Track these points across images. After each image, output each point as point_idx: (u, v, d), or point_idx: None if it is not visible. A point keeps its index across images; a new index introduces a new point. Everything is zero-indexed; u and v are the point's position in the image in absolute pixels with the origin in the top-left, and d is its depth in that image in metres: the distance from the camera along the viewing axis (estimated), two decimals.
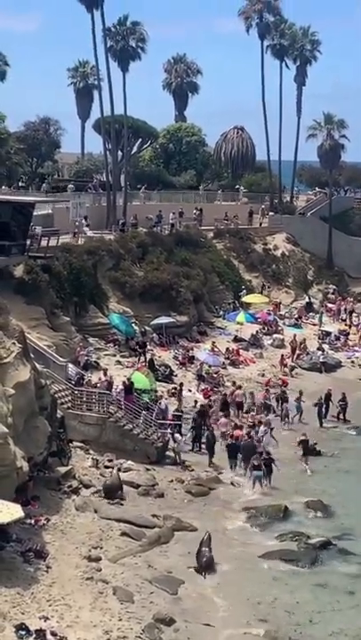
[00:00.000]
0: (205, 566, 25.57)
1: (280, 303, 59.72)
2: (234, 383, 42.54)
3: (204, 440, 35.45)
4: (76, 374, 35.99)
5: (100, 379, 36.73)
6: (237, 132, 78.74)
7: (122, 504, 29.20)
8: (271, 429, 36.55)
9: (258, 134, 74.86)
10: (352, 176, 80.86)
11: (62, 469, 29.80)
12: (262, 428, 36.38)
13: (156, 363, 42.98)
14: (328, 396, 41.58)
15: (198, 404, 38.81)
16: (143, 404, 35.58)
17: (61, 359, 35.51)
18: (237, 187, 71.01)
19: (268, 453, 33.27)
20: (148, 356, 43.81)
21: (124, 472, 31.40)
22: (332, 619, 23.44)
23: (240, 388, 41.69)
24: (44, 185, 61.91)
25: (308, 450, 35.14)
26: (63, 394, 33.50)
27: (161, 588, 24.05)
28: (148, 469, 32.43)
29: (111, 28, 58.96)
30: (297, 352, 50.75)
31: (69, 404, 33.42)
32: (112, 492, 29.47)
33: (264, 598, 24.21)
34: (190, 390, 41.24)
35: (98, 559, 24.96)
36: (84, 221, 51.62)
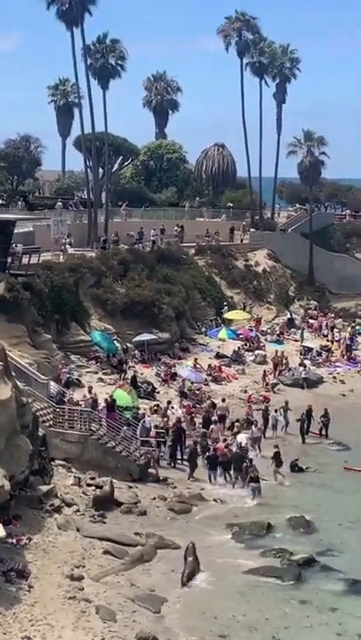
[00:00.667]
0: (188, 577, 25.79)
1: (261, 319, 59.77)
2: (223, 400, 42.57)
3: (185, 454, 35.55)
4: (57, 392, 35.87)
5: (84, 396, 36.63)
6: (218, 149, 79.10)
7: (104, 522, 29.09)
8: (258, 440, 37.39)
9: (238, 151, 75.03)
10: (332, 192, 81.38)
11: (44, 488, 29.60)
12: (243, 436, 36.81)
13: (138, 380, 42.92)
14: (309, 412, 41.57)
15: (174, 417, 38.59)
16: (125, 421, 35.48)
17: (43, 377, 35.39)
18: (229, 205, 70.95)
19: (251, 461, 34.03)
20: (130, 373, 43.76)
21: None
22: (298, 635, 23.31)
23: (223, 401, 42.01)
24: (19, 203, 61.83)
25: (280, 461, 35.08)
26: (45, 412, 33.36)
27: (144, 607, 23.91)
28: (130, 487, 32.33)
29: (91, 45, 59.13)
30: (279, 368, 50.81)
31: (51, 422, 33.28)
32: (102, 504, 29.80)
33: (230, 614, 24.00)
34: (173, 407, 41.15)
35: (80, 578, 24.80)
36: (67, 239, 51.64)
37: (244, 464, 33.92)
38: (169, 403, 40.44)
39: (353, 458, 38.52)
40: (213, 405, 41.85)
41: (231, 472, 34.38)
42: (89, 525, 28.51)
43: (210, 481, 34.36)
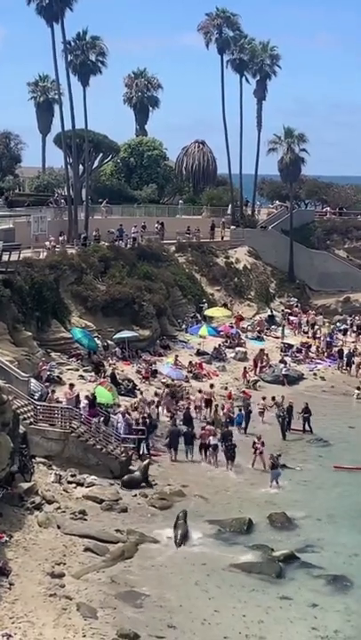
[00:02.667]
0: (182, 538, 28.17)
1: (242, 316, 59.83)
2: (211, 386, 44.47)
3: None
4: (40, 390, 35.83)
5: (66, 393, 36.50)
6: (198, 146, 79.09)
7: (85, 519, 29.09)
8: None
9: (219, 148, 75.29)
10: (313, 189, 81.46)
11: (25, 485, 29.60)
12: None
13: (118, 377, 42.90)
14: (290, 409, 41.77)
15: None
16: (105, 418, 35.49)
17: (23, 374, 35.33)
18: (227, 212, 70.91)
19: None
20: (109, 370, 43.74)
21: (87, 487, 31.33)
22: (274, 629, 23.53)
23: (211, 387, 44.45)
24: (2, 199, 61.63)
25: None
26: (25, 409, 33.30)
27: (125, 603, 23.95)
28: (111, 484, 32.33)
29: (71, 42, 58.93)
30: (260, 365, 50.92)
31: (32, 420, 33.22)
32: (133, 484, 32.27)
33: (210, 610, 24.19)
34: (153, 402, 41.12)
35: (61, 575, 24.84)
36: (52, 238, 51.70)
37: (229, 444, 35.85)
38: (157, 403, 40.63)
39: (332, 453, 38.72)
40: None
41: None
42: (70, 523, 28.52)
43: (186, 456, 36.27)
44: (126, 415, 36.38)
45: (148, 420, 36.89)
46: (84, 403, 35.87)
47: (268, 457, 34.83)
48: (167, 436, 37.01)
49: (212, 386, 44.60)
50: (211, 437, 36.83)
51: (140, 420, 36.67)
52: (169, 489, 32.86)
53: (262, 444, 36.13)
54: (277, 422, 41.23)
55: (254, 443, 36.33)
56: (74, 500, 30.62)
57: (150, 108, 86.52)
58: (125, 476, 31.33)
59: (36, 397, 34.87)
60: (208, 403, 42.12)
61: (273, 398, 43.04)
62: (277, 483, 34.15)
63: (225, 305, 60.88)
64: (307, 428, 41.71)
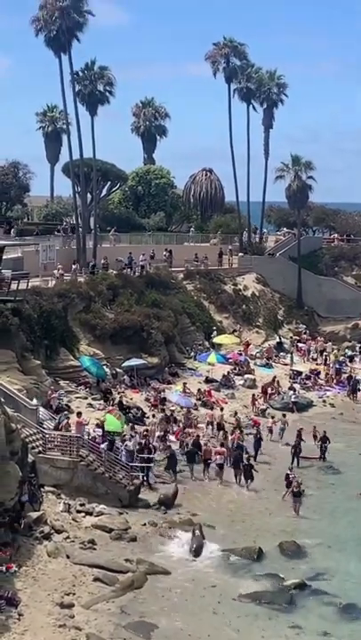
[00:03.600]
0: (197, 549, 29.50)
1: (250, 343, 59.72)
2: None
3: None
4: (49, 418, 35.79)
5: (74, 421, 36.25)
6: (206, 174, 79.38)
7: (94, 549, 28.93)
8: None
9: (227, 176, 75.63)
10: (320, 216, 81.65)
11: (34, 515, 29.46)
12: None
13: (128, 405, 42.79)
14: (299, 435, 41.69)
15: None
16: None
17: (32, 403, 35.29)
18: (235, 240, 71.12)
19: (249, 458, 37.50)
20: (117, 397, 43.71)
21: (95, 516, 31.20)
22: None
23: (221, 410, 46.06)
24: (12, 229, 61.91)
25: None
26: (34, 438, 33.24)
27: (135, 634, 23.77)
28: (120, 513, 32.16)
29: (79, 72, 59.44)
30: (269, 392, 50.77)
31: (41, 449, 33.15)
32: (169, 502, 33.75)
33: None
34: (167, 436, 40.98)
35: (71, 606, 24.67)
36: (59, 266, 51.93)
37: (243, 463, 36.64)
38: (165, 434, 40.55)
39: (343, 481, 38.54)
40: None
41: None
42: (79, 552, 28.35)
43: (191, 476, 37.16)
44: (127, 443, 36.18)
45: (152, 447, 37.02)
46: (96, 432, 35.75)
47: (295, 486, 34.34)
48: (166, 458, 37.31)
49: (221, 409, 45.60)
50: (218, 456, 37.37)
51: (146, 448, 36.59)
52: (178, 518, 32.67)
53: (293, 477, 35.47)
54: (280, 444, 41.95)
55: (287, 475, 35.60)
56: (83, 529, 30.45)
57: (158, 137, 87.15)
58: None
59: (44, 426, 34.81)
60: (219, 427, 42.18)
61: (284, 415, 44.20)
62: (298, 512, 33.88)
63: (235, 331, 60.85)
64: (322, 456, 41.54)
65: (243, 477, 36.81)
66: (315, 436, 42.45)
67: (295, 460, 40.34)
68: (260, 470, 37.69)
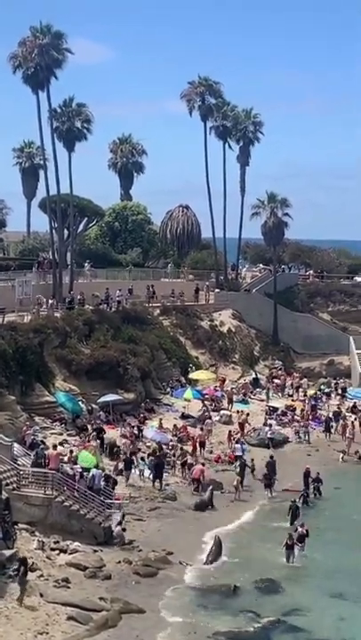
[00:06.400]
0: (211, 559, 32.50)
1: (226, 379, 59.69)
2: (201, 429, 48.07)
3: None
4: (28, 454, 35.53)
5: (49, 456, 35.97)
6: (182, 211, 79.79)
7: (68, 587, 28.61)
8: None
9: (203, 212, 75.94)
10: (296, 253, 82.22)
11: (7, 552, 29.14)
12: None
13: (105, 442, 42.59)
14: (271, 468, 42.36)
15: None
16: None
17: (7, 439, 35.02)
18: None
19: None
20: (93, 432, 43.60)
21: (70, 554, 30.89)
22: None
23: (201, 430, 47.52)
24: None
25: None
26: (8, 474, 32.94)
27: None
28: (95, 551, 31.87)
29: (57, 109, 59.82)
30: (246, 428, 50.74)
31: (15, 485, 32.84)
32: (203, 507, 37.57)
33: None
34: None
35: None
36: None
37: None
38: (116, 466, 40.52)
39: (317, 513, 38.46)
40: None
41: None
42: (52, 590, 28.03)
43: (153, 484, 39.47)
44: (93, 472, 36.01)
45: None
46: (75, 468, 35.46)
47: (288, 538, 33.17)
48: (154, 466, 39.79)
49: (201, 429, 47.53)
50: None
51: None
52: (153, 555, 32.39)
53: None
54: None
55: (297, 528, 34.76)
56: (57, 567, 30.12)
57: (135, 174, 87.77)
58: (198, 500, 36.53)
59: (19, 462, 34.52)
60: (202, 444, 45.35)
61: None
62: (292, 561, 32.83)
63: (214, 367, 60.90)
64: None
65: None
66: (305, 475, 42.11)
67: (269, 490, 41.11)
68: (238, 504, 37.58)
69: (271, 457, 44.73)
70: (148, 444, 44.73)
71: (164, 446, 44.05)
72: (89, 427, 44.57)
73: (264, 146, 78.36)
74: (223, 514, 38.02)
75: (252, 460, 44.57)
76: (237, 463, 42.90)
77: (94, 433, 42.91)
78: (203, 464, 42.36)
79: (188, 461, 42.57)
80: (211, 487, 39.26)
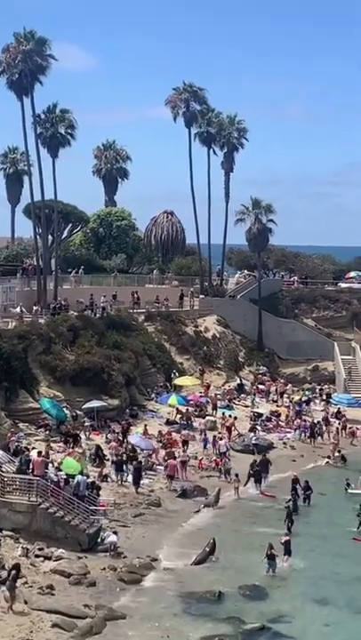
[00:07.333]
0: (198, 560, 32.53)
1: (210, 385, 59.64)
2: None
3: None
4: (12, 461, 35.39)
5: (34, 462, 35.85)
6: (167, 217, 79.89)
7: (53, 594, 28.50)
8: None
9: (188, 218, 76.07)
10: (280, 259, 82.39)
11: None
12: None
13: (89, 449, 42.46)
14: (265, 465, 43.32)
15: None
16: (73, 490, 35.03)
17: None
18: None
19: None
20: (84, 442, 43.51)
21: (54, 561, 30.78)
22: None
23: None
24: None
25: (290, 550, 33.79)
26: None
27: None
28: (79, 557, 31.76)
29: (41, 115, 59.77)
30: (222, 433, 50.74)
31: None
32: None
33: None
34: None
35: None
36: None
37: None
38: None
39: (302, 520, 38.48)
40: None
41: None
42: (37, 598, 27.92)
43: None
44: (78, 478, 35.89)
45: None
46: (59, 475, 35.34)
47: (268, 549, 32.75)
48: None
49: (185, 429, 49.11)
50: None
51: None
52: (138, 562, 32.32)
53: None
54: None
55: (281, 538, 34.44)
56: (41, 574, 30.02)
57: (119, 180, 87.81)
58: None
59: (3, 469, 34.38)
60: (185, 443, 46.13)
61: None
62: (273, 572, 32.38)
63: (202, 372, 60.90)
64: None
65: None
66: (294, 481, 41.99)
67: (256, 486, 42.62)
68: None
69: (264, 455, 45.64)
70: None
71: (145, 451, 44.03)
72: (81, 434, 44.44)
73: (247, 152, 78.48)
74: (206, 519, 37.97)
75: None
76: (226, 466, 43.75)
77: (70, 438, 42.93)
78: (184, 461, 43.36)
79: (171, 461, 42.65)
80: (219, 488, 40.75)
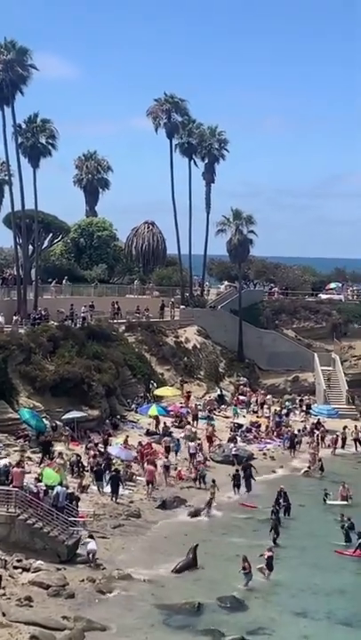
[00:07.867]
0: (181, 568, 32.64)
1: (190, 395, 59.59)
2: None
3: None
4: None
5: (13, 473, 35.70)
6: (148, 227, 79.91)
7: (31, 605, 28.33)
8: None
9: (169, 229, 76.27)
10: (261, 270, 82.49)
11: None
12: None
13: (68, 460, 42.27)
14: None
15: None
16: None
17: None
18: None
19: None
20: (64, 455, 43.31)
21: (33, 572, 30.62)
22: None
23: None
24: None
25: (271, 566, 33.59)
26: None
27: None
28: (58, 569, 31.60)
29: (22, 125, 59.72)
30: (215, 443, 50.78)
31: None
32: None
33: None
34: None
35: None
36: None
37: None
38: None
39: (284, 534, 38.50)
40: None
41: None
42: (15, 609, 27.75)
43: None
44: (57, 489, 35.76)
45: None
46: (39, 486, 35.18)
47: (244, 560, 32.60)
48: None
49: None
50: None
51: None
52: (117, 573, 32.19)
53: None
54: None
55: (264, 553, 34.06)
56: (20, 585, 29.84)
57: (100, 190, 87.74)
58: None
59: None
60: (167, 449, 46.91)
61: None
62: (247, 585, 32.14)
63: (183, 382, 60.85)
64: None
65: None
66: (279, 494, 41.65)
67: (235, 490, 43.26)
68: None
69: (248, 460, 46.76)
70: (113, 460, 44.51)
71: (124, 462, 43.97)
72: (57, 444, 44.31)
73: (227, 163, 78.60)
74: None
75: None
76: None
77: (41, 447, 42.81)
78: (168, 467, 44.54)
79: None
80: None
